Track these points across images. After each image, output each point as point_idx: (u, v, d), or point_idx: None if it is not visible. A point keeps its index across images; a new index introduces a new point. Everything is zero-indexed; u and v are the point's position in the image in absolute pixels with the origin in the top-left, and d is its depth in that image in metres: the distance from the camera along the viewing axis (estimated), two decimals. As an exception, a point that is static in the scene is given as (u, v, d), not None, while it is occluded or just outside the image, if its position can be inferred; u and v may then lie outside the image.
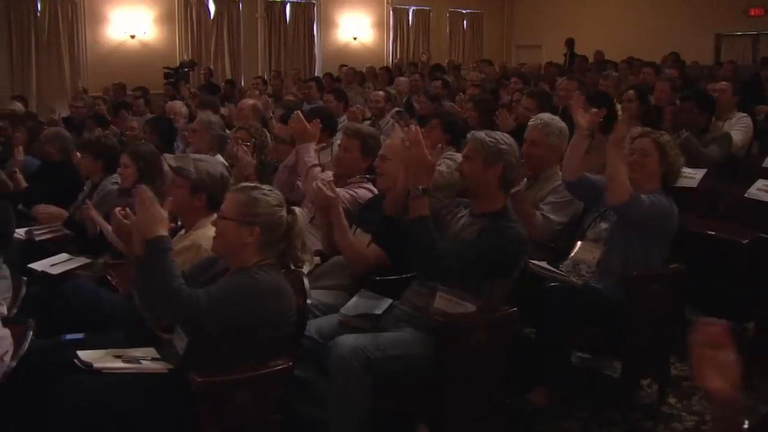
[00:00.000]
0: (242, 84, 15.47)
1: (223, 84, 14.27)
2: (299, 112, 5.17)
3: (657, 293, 4.05)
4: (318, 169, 4.86)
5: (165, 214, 3.04)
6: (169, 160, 3.88)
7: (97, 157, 5.39)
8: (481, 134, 3.62)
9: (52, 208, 5.33)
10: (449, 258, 3.37)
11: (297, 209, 3.20)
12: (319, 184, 3.96)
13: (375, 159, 4.60)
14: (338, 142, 5.23)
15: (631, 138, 4.29)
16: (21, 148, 6.78)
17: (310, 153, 4.94)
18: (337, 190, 4.16)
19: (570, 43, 16.76)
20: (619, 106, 7.66)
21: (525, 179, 4.60)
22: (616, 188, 3.95)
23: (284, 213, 3.11)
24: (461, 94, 9.89)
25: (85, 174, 5.60)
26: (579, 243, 4.30)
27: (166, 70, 13.65)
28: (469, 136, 3.70)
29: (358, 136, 4.71)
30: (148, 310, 3.21)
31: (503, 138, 3.62)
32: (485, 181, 3.55)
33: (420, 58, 17.44)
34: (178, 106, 8.62)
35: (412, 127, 3.63)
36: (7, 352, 2.79)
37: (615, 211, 4.04)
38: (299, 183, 5.11)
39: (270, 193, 3.12)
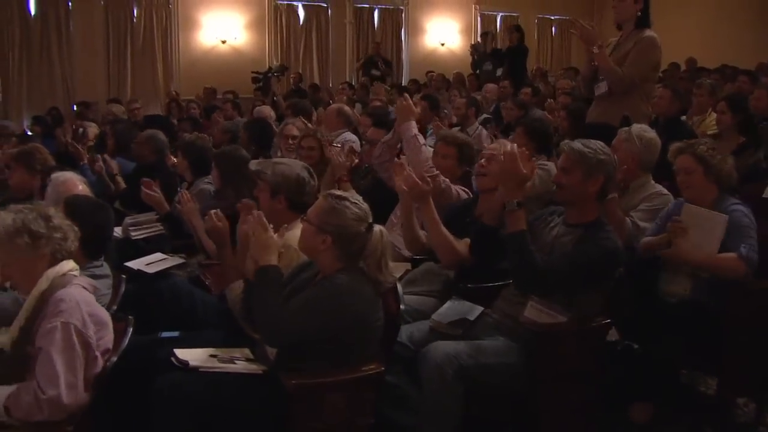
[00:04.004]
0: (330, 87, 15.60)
1: (308, 88, 14.40)
2: (407, 94, 5.12)
3: (756, 308, 3.93)
4: (426, 148, 4.77)
5: (278, 241, 3.15)
6: (251, 164, 3.95)
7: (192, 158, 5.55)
8: (578, 145, 3.54)
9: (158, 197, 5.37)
10: (546, 272, 3.34)
11: (378, 227, 3.19)
12: (413, 175, 3.94)
13: (469, 167, 4.61)
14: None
15: (672, 155, 4.15)
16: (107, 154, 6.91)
17: (414, 129, 4.83)
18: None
19: None
20: (714, 116, 7.46)
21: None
22: (728, 272, 3.81)
23: (362, 229, 3.10)
24: (550, 100, 9.77)
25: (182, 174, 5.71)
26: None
27: (254, 75, 13.85)
28: (564, 146, 3.61)
29: (455, 143, 4.70)
30: (248, 319, 3.29)
31: (601, 148, 3.55)
32: (585, 193, 3.50)
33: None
34: (267, 111, 8.73)
35: (508, 144, 3.58)
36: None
37: None
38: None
39: (353, 207, 3.12)
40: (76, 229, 3.05)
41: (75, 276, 2.98)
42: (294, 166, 3.88)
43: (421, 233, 4.11)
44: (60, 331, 2.74)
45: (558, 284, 3.37)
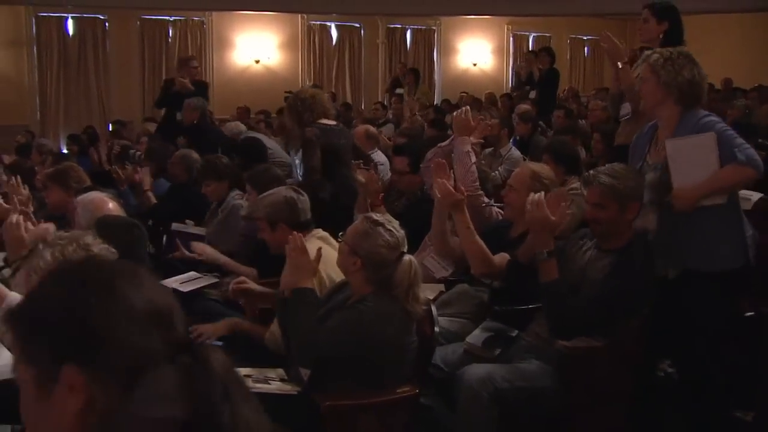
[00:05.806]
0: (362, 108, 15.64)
1: (339, 107, 14.43)
2: (468, 107, 5.07)
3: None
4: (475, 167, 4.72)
5: (314, 265, 3.19)
6: (241, 212, 3.99)
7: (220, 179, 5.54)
8: (606, 178, 3.45)
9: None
10: (580, 318, 3.30)
11: (407, 257, 3.15)
12: (446, 183, 3.88)
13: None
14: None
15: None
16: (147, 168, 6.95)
17: (467, 146, 4.75)
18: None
19: None
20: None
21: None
22: (737, 184, 3.67)
23: (392, 257, 3.09)
24: (581, 121, 9.74)
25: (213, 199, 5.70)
26: None
27: (287, 94, 13.94)
28: (592, 180, 3.52)
29: None
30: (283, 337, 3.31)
31: (627, 172, 3.53)
32: (623, 223, 3.48)
33: None
34: (235, 125, 8.81)
35: (534, 194, 3.49)
36: None
37: None
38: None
39: (386, 234, 3.11)
40: (114, 251, 3.03)
41: None
42: (278, 191, 3.93)
43: (451, 239, 4.10)
44: None
45: (593, 328, 3.35)
